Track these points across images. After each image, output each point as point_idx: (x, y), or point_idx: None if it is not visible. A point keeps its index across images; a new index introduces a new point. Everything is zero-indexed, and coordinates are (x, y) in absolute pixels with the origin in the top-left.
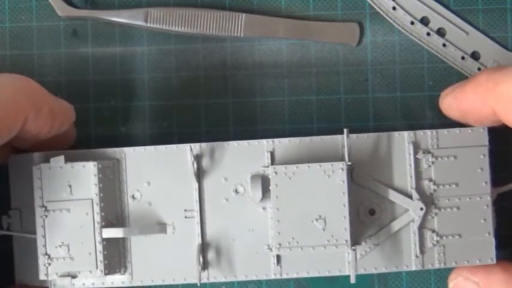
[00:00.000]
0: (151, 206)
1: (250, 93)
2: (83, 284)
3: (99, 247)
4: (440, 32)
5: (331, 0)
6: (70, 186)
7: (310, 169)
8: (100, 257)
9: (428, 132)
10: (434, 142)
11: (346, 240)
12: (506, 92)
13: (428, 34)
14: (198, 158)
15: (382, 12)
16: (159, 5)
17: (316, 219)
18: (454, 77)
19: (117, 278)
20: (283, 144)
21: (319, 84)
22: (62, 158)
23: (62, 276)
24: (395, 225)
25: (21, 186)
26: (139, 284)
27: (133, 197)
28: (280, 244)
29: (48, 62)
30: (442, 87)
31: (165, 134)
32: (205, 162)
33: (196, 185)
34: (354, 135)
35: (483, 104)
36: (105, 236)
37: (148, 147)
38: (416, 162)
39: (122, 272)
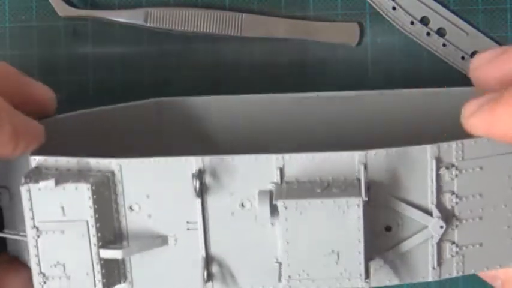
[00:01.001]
0: (151, 218)
1: (250, 93)
2: None
3: (97, 267)
4: (440, 32)
5: (331, 0)
6: (63, 207)
7: (324, 204)
8: (98, 276)
9: (453, 144)
10: (459, 154)
11: (360, 274)
12: None
13: (428, 34)
14: (201, 172)
15: (382, 12)
16: (159, 5)
17: (329, 254)
18: (454, 77)
19: None
20: (293, 160)
21: (319, 84)
22: (52, 182)
23: None
24: (413, 241)
25: (8, 165)
26: None
27: (131, 208)
28: (290, 276)
29: (48, 62)
30: (442, 87)
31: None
32: (208, 177)
33: (198, 200)
34: (372, 152)
35: None
36: (103, 256)
37: (146, 160)
38: (438, 177)
39: (122, 281)
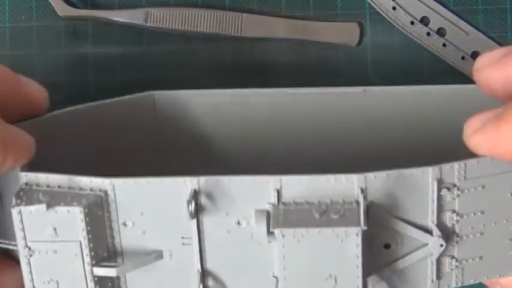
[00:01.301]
0: (146, 234)
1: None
2: None
3: (91, 284)
4: (440, 32)
5: (331, 0)
6: (55, 229)
7: (322, 234)
8: None
9: (455, 165)
10: (462, 174)
11: None
12: None
13: (428, 34)
14: (196, 193)
15: (382, 12)
16: (159, 5)
17: (327, 279)
18: (454, 77)
19: None
20: (291, 182)
21: (319, 84)
22: (43, 206)
23: None
24: (412, 258)
25: None
26: None
27: (124, 224)
28: None
29: (48, 62)
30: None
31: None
32: (204, 198)
33: (194, 221)
34: (371, 175)
35: None
36: (96, 274)
37: (139, 180)
38: (440, 197)
39: None
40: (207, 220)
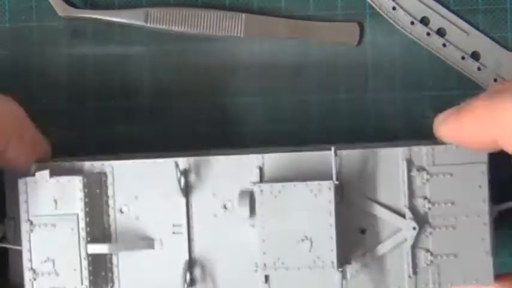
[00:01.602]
0: (139, 221)
1: (250, 93)
2: None
3: (85, 263)
4: (440, 32)
5: (331, 0)
6: (55, 201)
7: (297, 188)
8: (85, 273)
9: (423, 148)
10: (430, 159)
11: (333, 262)
12: (509, 122)
13: (428, 34)
14: (185, 172)
15: (382, 12)
16: (159, 5)
17: (302, 240)
18: (454, 77)
19: None
20: (272, 160)
21: (319, 84)
22: (47, 172)
23: None
24: (387, 244)
25: (16, 195)
26: None
27: (120, 211)
28: (265, 264)
29: (48, 62)
30: (442, 87)
31: (165, 134)
32: (193, 177)
33: (183, 200)
34: (344, 152)
35: (483, 136)
36: (90, 251)
37: (136, 161)
38: (410, 179)
39: (109, 286)
40: (195, 200)
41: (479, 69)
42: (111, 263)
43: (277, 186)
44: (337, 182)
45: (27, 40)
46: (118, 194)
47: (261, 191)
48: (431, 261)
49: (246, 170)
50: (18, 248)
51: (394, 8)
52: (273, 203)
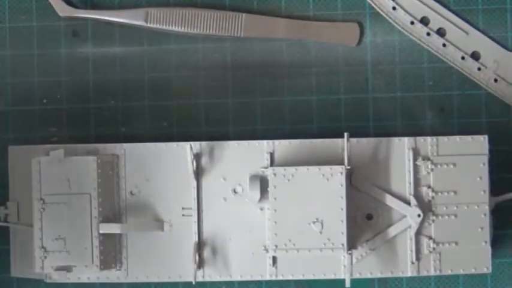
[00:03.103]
0: (149, 203)
1: (250, 93)
2: (78, 278)
3: (96, 242)
4: (440, 32)
5: (331, 0)
6: (68, 180)
7: (309, 172)
8: (96, 252)
9: (428, 139)
10: (434, 149)
11: (343, 244)
12: None
13: (428, 34)
14: (197, 156)
15: (382, 12)
16: (159, 5)
17: (314, 222)
18: (454, 77)
19: (112, 274)
20: (283, 146)
21: (319, 84)
22: (61, 151)
23: (57, 269)
24: (392, 230)
25: (19, 178)
26: (134, 280)
27: (131, 193)
28: (276, 246)
29: (48, 62)
30: (442, 87)
31: (165, 134)
32: (204, 161)
33: (195, 183)
34: (354, 140)
35: None
36: (102, 231)
37: (148, 144)
38: (416, 168)
39: (118, 267)
40: (206, 184)
41: (479, 69)
42: (120, 244)
43: (291, 169)
44: (349, 167)
45: (27, 40)
46: (129, 176)
47: (275, 174)
48: (434, 249)
49: (257, 156)
50: (23, 227)
51: (394, 8)
52: (286, 185)
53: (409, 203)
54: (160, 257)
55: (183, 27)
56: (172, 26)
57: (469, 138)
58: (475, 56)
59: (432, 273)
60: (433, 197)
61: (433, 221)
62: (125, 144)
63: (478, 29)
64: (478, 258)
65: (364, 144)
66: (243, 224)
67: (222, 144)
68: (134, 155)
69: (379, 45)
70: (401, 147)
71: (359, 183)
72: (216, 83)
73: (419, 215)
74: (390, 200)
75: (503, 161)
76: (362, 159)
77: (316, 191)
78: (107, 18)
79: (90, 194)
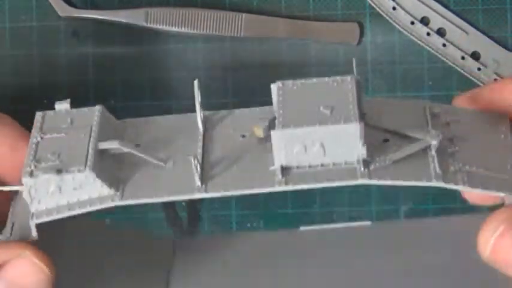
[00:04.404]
0: (153, 146)
1: (250, 93)
2: (67, 201)
3: (91, 152)
4: (440, 32)
5: (331, 0)
6: (72, 119)
7: (319, 81)
8: (91, 159)
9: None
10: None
11: (355, 119)
12: None
13: (428, 34)
14: (206, 119)
15: (382, 12)
16: (159, 5)
17: (325, 107)
18: (454, 77)
19: (106, 196)
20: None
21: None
22: (67, 103)
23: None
24: (411, 148)
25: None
26: (130, 202)
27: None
28: (283, 126)
29: (48, 62)
30: (442, 87)
31: None
32: (212, 122)
33: (200, 131)
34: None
35: None
36: (100, 147)
37: (151, 118)
38: (433, 115)
39: (114, 189)
40: (213, 133)
41: (479, 69)
42: (120, 163)
43: (298, 81)
44: (358, 77)
45: (27, 40)
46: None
47: (282, 84)
48: (460, 168)
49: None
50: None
51: (394, 8)
52: (294, 93)
53: (427, 129)
54: (160, 180)
55: (183, 27)
56: (172, 26)
57: None
58: (475, 56)
59: (460, 185)
60: (452, 123)
61: (456, 150)
62: (128, 120)
63: (478, 29)
64: (507, 181)
65: (377, 102)
66: (250, 161)
67: (233, 111)
68: (136, 128)
69: (379, 45)
70: (418, 105)
71: (373, 122)
72: (216, 83)
73: (438, 135)
74: (407, 129)
75: None
76: (376, 116)
77: (327, 94)
78: (106, 18)
79: (91, 125)
